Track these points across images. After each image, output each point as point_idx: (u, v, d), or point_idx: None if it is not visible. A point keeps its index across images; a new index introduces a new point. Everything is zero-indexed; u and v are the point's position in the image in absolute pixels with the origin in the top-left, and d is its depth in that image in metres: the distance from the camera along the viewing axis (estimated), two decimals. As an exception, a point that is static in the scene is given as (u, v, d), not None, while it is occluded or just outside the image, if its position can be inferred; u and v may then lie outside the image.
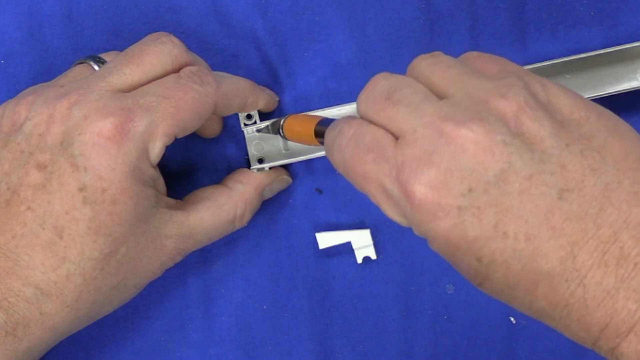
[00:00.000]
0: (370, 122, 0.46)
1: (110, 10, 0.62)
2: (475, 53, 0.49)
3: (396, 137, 0.45)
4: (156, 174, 0.54)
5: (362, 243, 0.60)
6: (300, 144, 0.59)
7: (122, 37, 0.62)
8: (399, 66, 0.61)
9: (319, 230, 0.61)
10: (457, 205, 0.43)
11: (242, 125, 0.60)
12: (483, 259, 0.44)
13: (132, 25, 0.62)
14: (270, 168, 0.60)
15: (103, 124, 0.52)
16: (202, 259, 0.62)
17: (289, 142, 0.60)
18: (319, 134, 0.53)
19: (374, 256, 0.61)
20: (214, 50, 0.62)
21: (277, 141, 0.60)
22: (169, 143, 0.53)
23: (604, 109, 0.46)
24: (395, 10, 0.61)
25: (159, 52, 0.55)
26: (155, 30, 0.58)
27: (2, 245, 0.52)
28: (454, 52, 0.61)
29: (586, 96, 0.58)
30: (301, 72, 0.62)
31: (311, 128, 0.54)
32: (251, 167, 0.60)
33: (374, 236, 0.61)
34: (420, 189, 0.44)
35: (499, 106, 0.44)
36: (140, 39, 0.56)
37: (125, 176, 0.52)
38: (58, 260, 0.52)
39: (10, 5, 0.62)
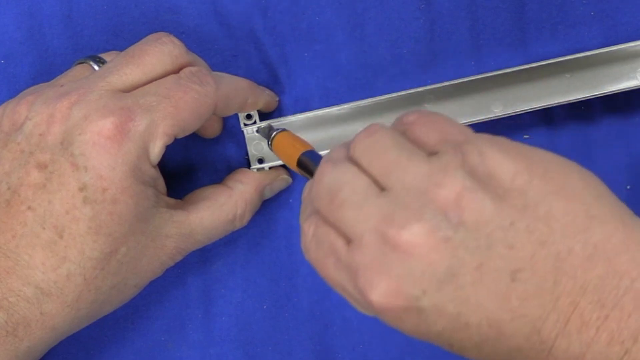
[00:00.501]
0: (325, 221, 0.47)
1: (110, 10, 0.62)
2: (412, 117, 0.48)
3: (349, 239, 0.46)
4: (156, 174, 0.54)
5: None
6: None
7: (122, 37, 0.62)
8: (399, 66, 0.61)
9: (319, 230, 0.61)
10: (416, 307, 0.44)
11: (242, 125, 0.60)
12: (453, 346, 0.45)
13: (132, 25, 0.62)
14: (270, 168, 0.60)
15: (103, 124, 0.52)
16: (202, 259, 0.62)
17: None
18: (301, 165, 0.53)
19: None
20: (213, 50, 0.62)
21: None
22: (169, 143, 0.53)
23: (549, 158, 0.45)
24: (395, 10, 0.61)
25: (159, 52, 0.55)
26: (155, 30, 0.58)
27: (2, 245, 0.52)
28: (454, 52, 0.61)
29: (585, 96, 0.58)
30: (301, 72, 0.62)
31: (295, 158, 0.54)
32: (251, 167, 0.60)
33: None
34: (377, 298, 0.44)
35: (437, 197, 0.43)
36: (140, 39, 0.56)
37: (125, 175, 0.52)
38: (58, 260, 0.52)
39: (10, 5, 0.62)
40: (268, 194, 0.60)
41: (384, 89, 0.61)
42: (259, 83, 0.60)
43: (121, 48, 0.57)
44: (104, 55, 0.58)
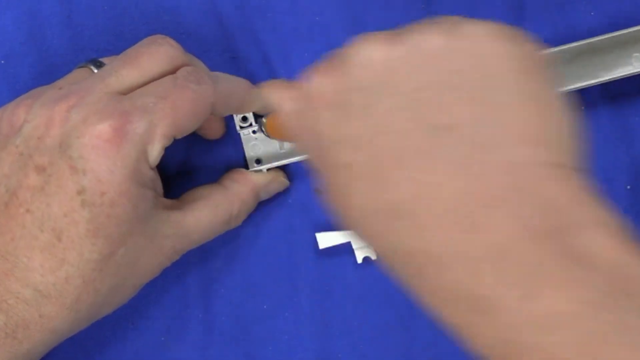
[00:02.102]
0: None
1: (110, 11, 0.62)
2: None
3: None
4: (155, 176, 0.54)
5: (362, 243, 0.60)
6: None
7: (122, 37, 0.62)
8: (399, 66, 0.61)
9: (319, 230, 0.61)
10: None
11: (238, 128, 0.60)
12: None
13: (132, 26, 0.62)
14: (267, 170, 0.60)
15: (102, 127, 0.52)
16: (201, 259, 0.62)
17: (285, 142, 0.60)
18: None
19: (373, 256, 0.61)
20: (214, 50, 0.62)
21: (274, 142, 0.60)
22: (167, 144, 0.53)
23: None
24: (395, 10, 0.61)
25: (156, 53, 0.55)
26: (155, 31, 0.58)
27: (0, 247, 0.52)
28: (454, 52, 0.61)
29: (582, 84, 0.58)
30: (301, 72, 0.61)
31: None
32: (249, 169, 0.60)
33: (373, 236, 0.61)
34: None
35: None
36: (140, 39, 0.56)
37: (124, 178, 0.52)
38: (57, 262, 0.52)
39: (10, 5, 0.62)
40: (264, 196, 0.60)
41: (384, 89, 0.61)
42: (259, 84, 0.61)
43: (121, 48, 0.57)
44: (104, 60, 0.58)
